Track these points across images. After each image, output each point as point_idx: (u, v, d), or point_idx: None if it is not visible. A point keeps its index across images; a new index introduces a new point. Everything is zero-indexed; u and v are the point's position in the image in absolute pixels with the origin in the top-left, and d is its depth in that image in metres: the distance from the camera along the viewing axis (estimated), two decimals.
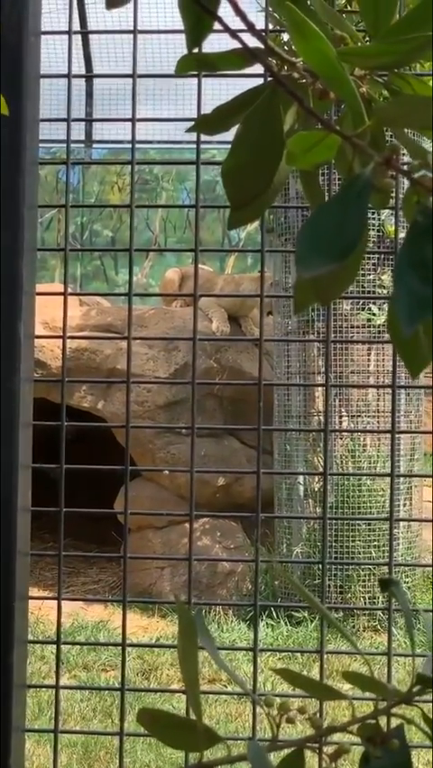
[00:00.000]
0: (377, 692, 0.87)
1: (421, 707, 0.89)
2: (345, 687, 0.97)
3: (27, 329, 1.73)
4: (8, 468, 1.70)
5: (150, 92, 10.31)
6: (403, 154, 0.78)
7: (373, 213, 6.60)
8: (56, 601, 2.02)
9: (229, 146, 0.85)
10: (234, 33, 0.78)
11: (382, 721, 0.91)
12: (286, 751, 0.86)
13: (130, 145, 2.06)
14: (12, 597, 1.71)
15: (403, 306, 0.64)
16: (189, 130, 0.92)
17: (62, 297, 2.06)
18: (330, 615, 0.98)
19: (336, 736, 0.88)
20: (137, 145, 2.10)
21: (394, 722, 0.92)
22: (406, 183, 0.81)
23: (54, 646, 2.05)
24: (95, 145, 12.24)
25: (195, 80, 1.93)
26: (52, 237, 11.76)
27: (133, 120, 2.04)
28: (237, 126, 0.84)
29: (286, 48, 0.83)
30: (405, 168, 0.71)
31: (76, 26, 2.01)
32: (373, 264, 6.78)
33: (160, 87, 10.57)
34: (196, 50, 0.85)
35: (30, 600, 1.81)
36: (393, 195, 1.77)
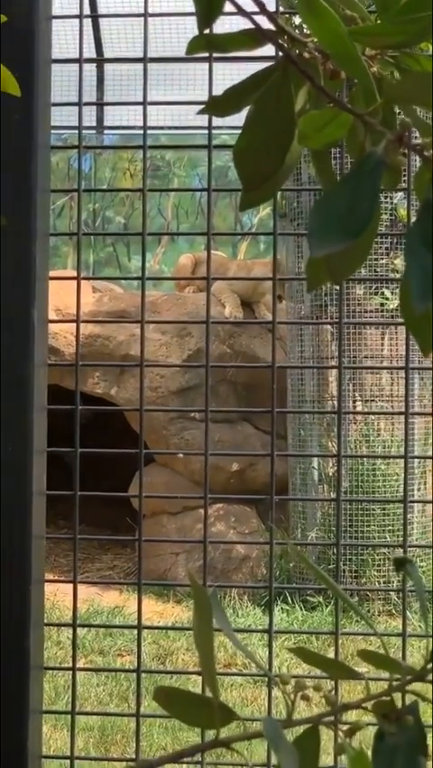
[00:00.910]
0: (392, 670, 0.88)
1: None
2: (362, 670, 0.98)
3: (41, 314, 1.74)
4: (23, 452, 1.71)
5: (161, 77, 10.30)
6: (415, 135, 0.78)
7: (386, 196, 6.59)
8: (71, 587, 2.03)
9: (240, 131, 0.85)
10: (245, 13, 0.78)
11: (398, 700, 0.91)
12: (301, 728, 0.86)
13: (141, 131, 2.06)
14: (28, 580, 1.72)
15: (416, 282, 0.64)
16: (200, 112, 0.92)
17: (75, 282, 2.06)
18: (344, 594, 0.98)
19: (352, 715, 0.89)
20: (149, 131, 2.10)
21: (409, 701, 0.93)
22: (417, 164, 0.82)
23: (70, 632, 2.06)
24: (106, 131, 12.22)
25: (206, 65, 1.93)
26: (64, 224, 11.76)
27: (144, 103, 2.04)
28: (249, 107, 0.84)
29: (297, 30, 0.83)
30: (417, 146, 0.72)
31: (86, 10, 2.01)
32: (386, 248, 6.77)
33: (171, 72, 10.56)
34: (206, 32, 0.85)
35: (46, 587, 1.82)
36: (405, 177, 1.77)
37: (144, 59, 2.02)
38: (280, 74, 0.81)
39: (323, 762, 0.90)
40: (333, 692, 0.92)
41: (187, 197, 12.04)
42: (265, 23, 0.84)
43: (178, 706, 0.86)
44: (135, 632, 2.01)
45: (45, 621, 1.84)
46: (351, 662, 1.00)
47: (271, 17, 0.79)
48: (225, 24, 0.96)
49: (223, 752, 4.33)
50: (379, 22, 0.84)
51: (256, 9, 0.82)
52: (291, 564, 7.07)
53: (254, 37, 0.82)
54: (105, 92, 11.78)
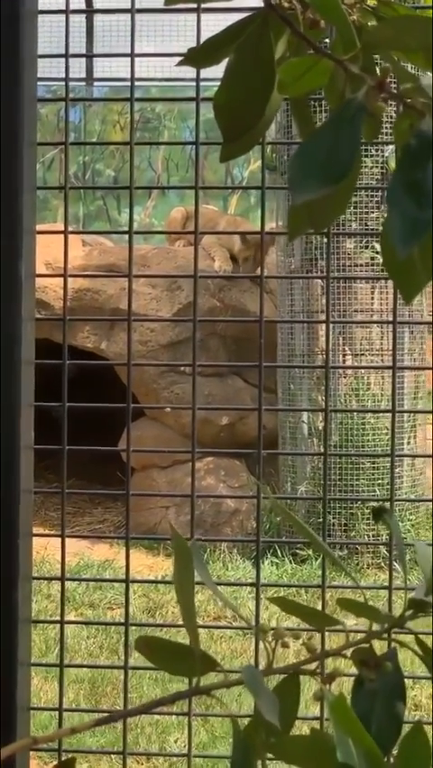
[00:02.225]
0: (371, 618, 0.89)
1: (417, 633, 0.90)
2: (350, 623, 0.98)
3: (28, 268, 1.73)
4: (10, 406, 1.71)
5: (151, 28, 10.21)
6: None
7: (378, 150, 6.56)
8: (60, 540, 2.04)
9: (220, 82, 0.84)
10: None
11: (380, 649, 0.92)
12: (283, 677, 0.87)
13: (129, 83, 2.04)
14: (15, 534, 1.72)
15: (397, 228, 0.64)
16: (179, 64, 0.91)
17: (64, 237, 2.05)
18: (327, 548, 0.99)
19: (332, 664, 0.89)
20: (138, 83, 2.08)
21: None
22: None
23: (60, 584, 2.07)
24: (96, 83, 12.13)
25: (195, 15, 1.91)
26: (54, 177, 11.69)
27: (132, 55, 2.02)
28: (228, 58, 0.83)
29: None
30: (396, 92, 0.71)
31: None
32: (377, 202, 6.75)
33: (162, 24, 10.47)
34: None
35: (35, 539, 1.82)
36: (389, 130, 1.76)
37: (132, 10, 2.00)
38: (260, 23, 0.80)
39: (306, 710, 0.91)
40: (315, 641, 0.93)
41: (177, 150, 11.98)
42: None
43: (159, 655, 0.87)
44: (125, 585, 2.02)
45: (34, 575, 1.85)
46: (339, 615, 1.01)
47: None
48: None
49: (212, 704, 4.36)
50: None
51: None
52: (279, 519, 7.10)
53: None
54: (94, 43, 11.68)
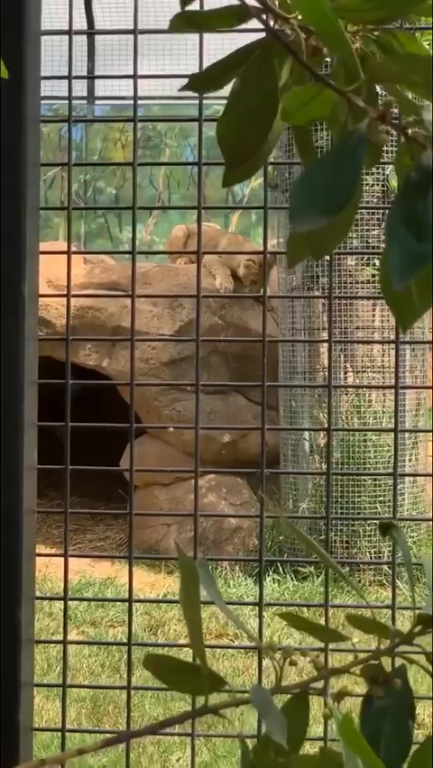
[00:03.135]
0: (379, 634, 0.89)
1: (425, 648, 0.91)
2: (354, 640, 0.99)
3: (31, 288, 1.74)
4: (14, 426, 1.71)
5: (152, 47, 10.24)
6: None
7: (378, 168, 6.58)
8: (63, 558, 2.04)
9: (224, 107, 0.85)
10: None
11: (387, 666, 0.92)
12: (290, 695, 0.87)
13: (132, 101, 2.05)
14: (19, 553, 1.73)
15: (395, 261, 0.65)
16: (183, 88, 0.92)
17: (66, 255, 2.06)
18: (335, 563, 0.99)
19: (342, 683, 0.90)
20: (140, 101, 2.09)
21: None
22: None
23: (62, 603, 2.07)
24: (97, 102, 12.16)
25: (197, 35, 1.92)
26: (56, 195, 11.73)
27: (134, 76, 2.03)
28: (232, 83, 0.84)
29: (279, 6, 0.83)
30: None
31: None
32: (378, 219, 6.76)
33: (163, 42, 10.50)
34: (191, 6, 0.85)
35: (37, 558, 1.83)
36: (394, 148, 1.77)
37: (135, 31, 2.01)
38: (264, 50, 0.81)
39: (314, 729, 0.91)
40: (322, 659, 0.93)
41: (178, 168, 12.02)
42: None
43: (167, 673, 0.87)
44: (127, 603, 2.03)
45: (37, 593, 1.85)
46: (342, 630, 1.01)
47: None
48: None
49: (214, 722, 4.36)
50: None
51: None
52: (282, 537, 7.09)
53: (237, 13, 0.82)
54: (96, 62, 11.71)
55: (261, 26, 0.93)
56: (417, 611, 0.92)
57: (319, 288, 6.98)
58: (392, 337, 6.90)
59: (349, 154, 0.69)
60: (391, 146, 0.94)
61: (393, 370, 6.97)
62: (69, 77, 2.03)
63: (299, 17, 0.80)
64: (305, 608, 5.90)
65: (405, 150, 0.73)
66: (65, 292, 2.12)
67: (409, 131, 0.72)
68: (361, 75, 0.77)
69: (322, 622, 1.98)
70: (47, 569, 6.08)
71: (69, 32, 2.03)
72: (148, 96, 9.99)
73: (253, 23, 0.92)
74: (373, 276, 6.96)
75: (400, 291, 0.66)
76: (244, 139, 0.83)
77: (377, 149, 0.77)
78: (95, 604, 6.30)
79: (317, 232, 0.76)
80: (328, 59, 0.84)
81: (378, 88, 0.82)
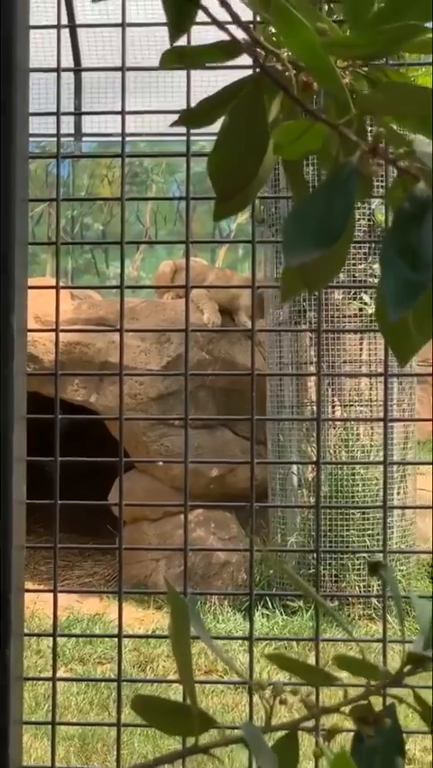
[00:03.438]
0: (369, 676, 0.88)
1: (413, 688, 0.90)
2: (342, 675, 0.98)
3: (20, 323, 1.73)
4: (3, 462, 1.70)
5: (138, 83, 10.29)
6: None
7: (364, 202, 6.60)
8: (51, 595, 2.03)
9: (214, 141, 0.86)
10: (219, 23, 0.79)
11: (376, 705, 0.92)
12: (281, 733, 0.87)
13: (119, 138, 2.06)
14: (7, 589, 1.72)
15: (391, 292, 0.65)
16: (174, 124, 0.93)
17: (54, 290, 2.06)
18: (323, 601, 0.99)
19: (332, 720, 0.89)
20: (127, 138, 2.10)
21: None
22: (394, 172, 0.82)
23: (50, 640, 2.06)
24: (84, 138, 12.22)
25: (185, 72, 1.94)
26: (43, 231, 11.75)
27: (122, 113, 2.04)
28: (223, 118, 0.85)
29: (268, 41, 0.84)
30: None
31: (63, 19, 2.01)
32: (364, 253, 6.78)
33: (148, 79, 10.55)
34: (181, 42, 0.85)
35: (25, 594, 1.81)
36: (380, 184, 1.78)
37: (123, 68, 2.03)
38: (254, 85, 0.81)
39: (303, 766, 0.90)
40: (312, 697, 0.92)
41: (165, 203, 12.06)
42: (239, 33, 0.84)
43: (156, 714, 0.87)
44: (116, 639, 2.01)
45: (24, 630, 1.83)
46: (331, 666, 1.00)
47: (247, 29, 0.80)
48: (207, 33, 0.96)
49: (204, 760, 4.33)
50: (349, 33, 0.85)
51: (230, 19, 0.83)
52: (271, 571, 7.07)
53: (227, 49, 0.83)
54: (82, 99, 11.77)
55: (249, 62, 0.93)
56: (407, 650, 0.92)
57: (307, 323, 6.99)
58: (380, 371, 6.92)
59: (341, 186, 0.70)
60: (377, 180, 0.95)
61: (381, 403, 6.99)
62: (58, 114, 2.04)
63: (289, 52, 0.80)
64: (295, 642, 5.88)
65: (397, 183, 0.73)
66: (52, 327, 2.11)
67: (401, 163, 0.72)
68: (352, 109, 0.77)
69: (312, 656, 1.97)
70: (34, 605, 6.05)
71: (58, 70, 2.04)
72: (135, 132, 10.03)
73: (242, 59, 0.92)
74: (360, 310, 6.97)
75: (397, 322, 0.66)
76: (234, 173, 0.84)
77: (368, 181, 0.77)
78: (83, 641, 6.26)
79: (310, 265, 0.76)
80: (319, 93, 0.84)
81: (368, 121, 0.82)
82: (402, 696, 0.95)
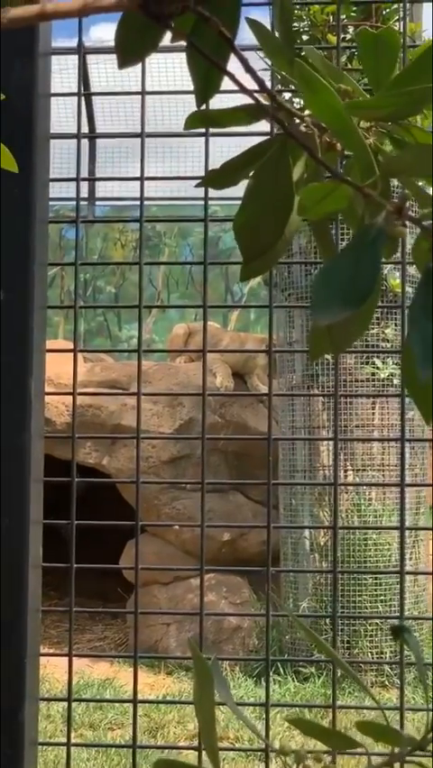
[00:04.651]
0: (391, 742, 0.87)
1: None
2: (367, 742, 0.97)
3: (38, 386, 1.74)
4: (19, 524, 1.70)
5: (151, 149, 10.39)
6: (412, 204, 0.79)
7: None
8: (62, 659, 2.02)
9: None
10: (245, 89, 0.80)
11: None
12: None
13: (132, 202, 2.09)
14: (23, 653, 1.71)
15: (419, 349, 0.65)
16: (199, 185, 0.94)
17: (70, 353, 2.07)
18: (346, 665, 0.98)
19: None
20: (138, 202, 2.12)
21: None
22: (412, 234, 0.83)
23: (59, 705, 2.04)
24: (97, 202, 12.33)
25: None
26: (55, 294, 11.82)
27: (141, 179, 2.06)
28: (248, 180, 0.86)
29: (289, 104, 0.85)
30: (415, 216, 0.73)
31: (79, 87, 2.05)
32: (377, 318, 6.79)
33: (162, 144, 10.67)
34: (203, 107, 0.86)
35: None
36: (399, 247, 1.79)
37: (142, 135, 2.05)
38: (278, 147, 0.82)
39: None
40: (333, 763, 0.91)
41: (177, 267, 12.15)
42: (261, 98, 0.85)
43: None
44: (126, 705, 1.99)
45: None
46: (352, 734, 0.99)
47: (271, 94, 0.81)
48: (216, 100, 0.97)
49: None
50: (369, 95, 0.86)
51: (254, 84, 0.84)
52: (288, 636, 7.01)
53: (251, 112, 0.84)
54: (96, 164, 11.89)
55: (266, 127, 0.94)
56: (428, 717, 0.91)
57: (319, 387, 7.00)
58: (391, 435, 6.92)
59: (369, 247, 0.70)
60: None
61: (392, 468, 6.98)
62: (78, 180, 2.06)
63: (312, 114, 0.81)
64: (306, 710, 5.82)
65: (421, 240, 0.74)
66: (65, 390, 2.12)
67: (426, 222, 0.73)
68: (376, 170, 0.78)
69: (327, 724, 1.95)
70: (45, 669, 5.99)
71: (78, 136, 2.07)
72: (151, 197, 10.12)
73: (261, 125, 0.93)
74: (373, 374, 6.98)
75: (424, 380, 0.66)
76: (260, 233, 0.84)
77: (394, 241, 0.78)
78: (93, 706, 6.19)
79: (338, 325, 0.76)
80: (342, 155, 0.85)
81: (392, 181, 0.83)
82: (426, 765, 0.94)
